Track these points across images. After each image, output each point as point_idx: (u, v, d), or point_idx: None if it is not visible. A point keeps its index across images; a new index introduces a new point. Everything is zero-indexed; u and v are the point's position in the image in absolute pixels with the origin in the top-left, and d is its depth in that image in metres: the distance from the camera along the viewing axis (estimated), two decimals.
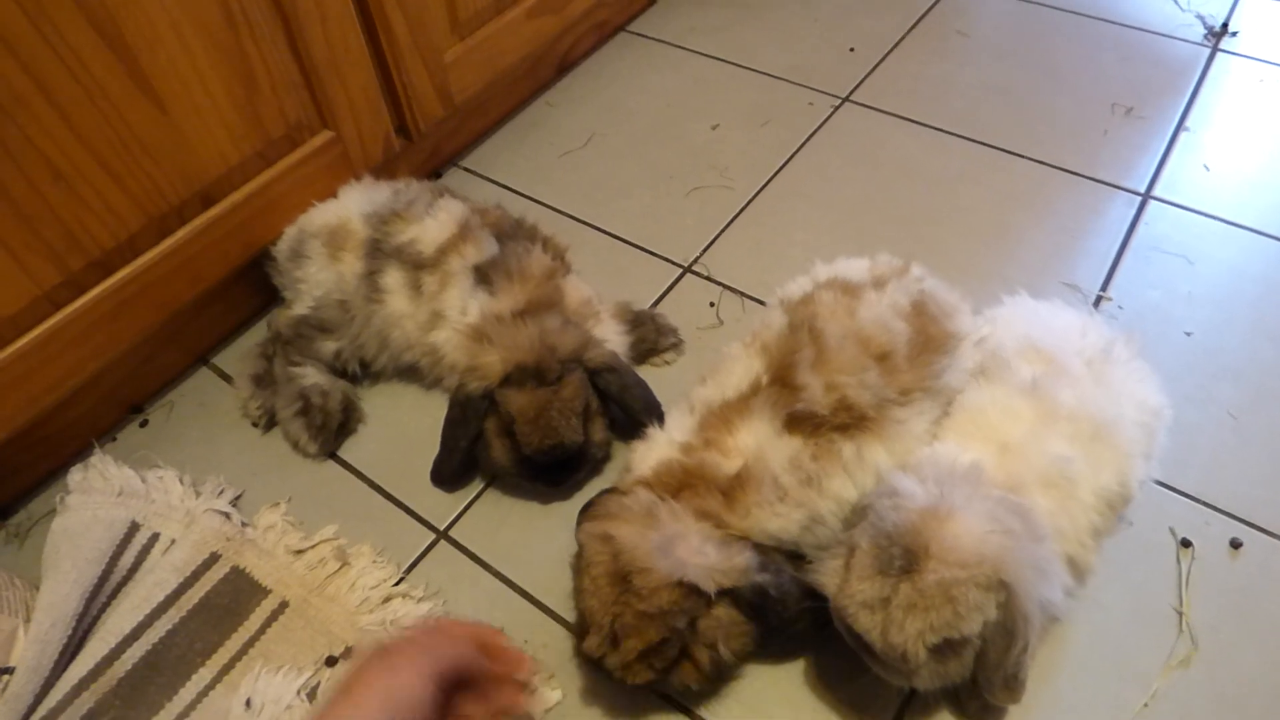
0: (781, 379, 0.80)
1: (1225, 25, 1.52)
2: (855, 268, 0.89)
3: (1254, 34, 1.51)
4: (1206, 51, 1.49)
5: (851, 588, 0.68)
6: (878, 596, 0.67)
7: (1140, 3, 1.59)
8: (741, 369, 0.84)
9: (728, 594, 0.73)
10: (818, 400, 0.77)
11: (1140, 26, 1.54)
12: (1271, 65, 1.45)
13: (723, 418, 0.82)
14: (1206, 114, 1.38)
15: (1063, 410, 0.76)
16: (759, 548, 0.76)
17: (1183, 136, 1.34)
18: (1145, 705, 0.80)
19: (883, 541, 0.68)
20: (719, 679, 0.79)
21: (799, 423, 0.78)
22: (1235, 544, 0.91)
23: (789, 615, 0.75)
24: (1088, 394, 0.77)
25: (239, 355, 1.09)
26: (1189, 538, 0.91)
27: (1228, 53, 1.48)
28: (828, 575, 0.73)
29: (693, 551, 0.71)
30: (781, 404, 0.79)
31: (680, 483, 0.79)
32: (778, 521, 0.77)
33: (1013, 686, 0.73)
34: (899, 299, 0.82)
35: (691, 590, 0.70)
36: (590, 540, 0.75)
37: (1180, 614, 0.86)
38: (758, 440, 0.79)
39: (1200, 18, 1.54)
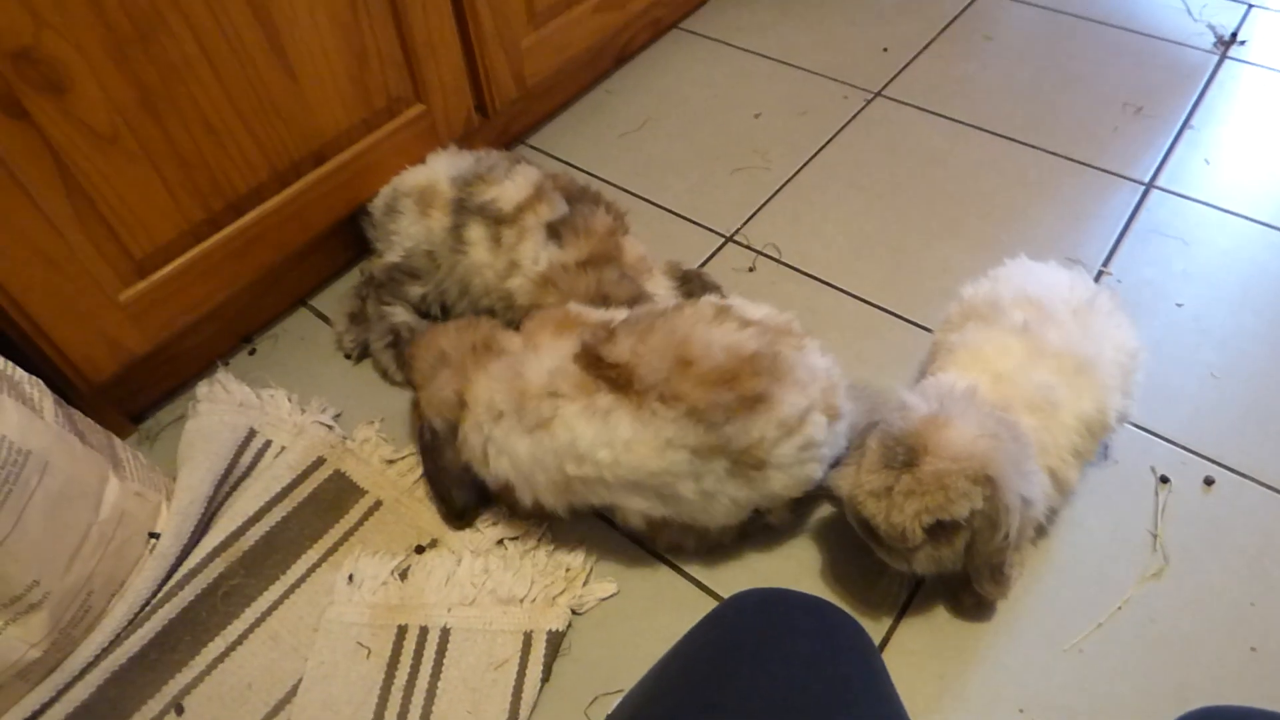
0: (613, 331, 0.89)
1: (1235, 34, 1.64)
2: (760, 310, 0.91)
3: (1262, 43, 1.63)
4: (1215, 58, 1.60)
5: (861, 479, 0.82)
6: (883, 485, 0.80)
7: (1155, 12, 1.71)
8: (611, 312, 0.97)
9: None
10: (615, 353, 0.85)
11: (1154, 34, 1.66)
12: (1275, 72, 1.57)
13: (559, 324, 0.94)
14: (1211, 114, 1.50)
15: (1049, 348, 0.89)
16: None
17: (1187, 134, 1.46)
18: (1119, 608, 0.93)
19: (889, 442, 0.81)
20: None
21: (587, 355, 0.87)
22: (1209, 481, 1.03)
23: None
24: (1072, 335, 0.90)
25: (334, 298, 1.26)
26: (1167, 474, 1.03)
27: (1235, 60, 1.60)
28: (843, 479, 0.87)
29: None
30: (591, 337, 0.89)
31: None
32: (487, 392, 0.91)
33: (998, 579, 0.86)
34: (746, 339, 0.84)
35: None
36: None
37: (1155, 536, 0.98)
38: (554, 345, 0.90)
39: (1211, 27, 1.66)
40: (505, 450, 0.91)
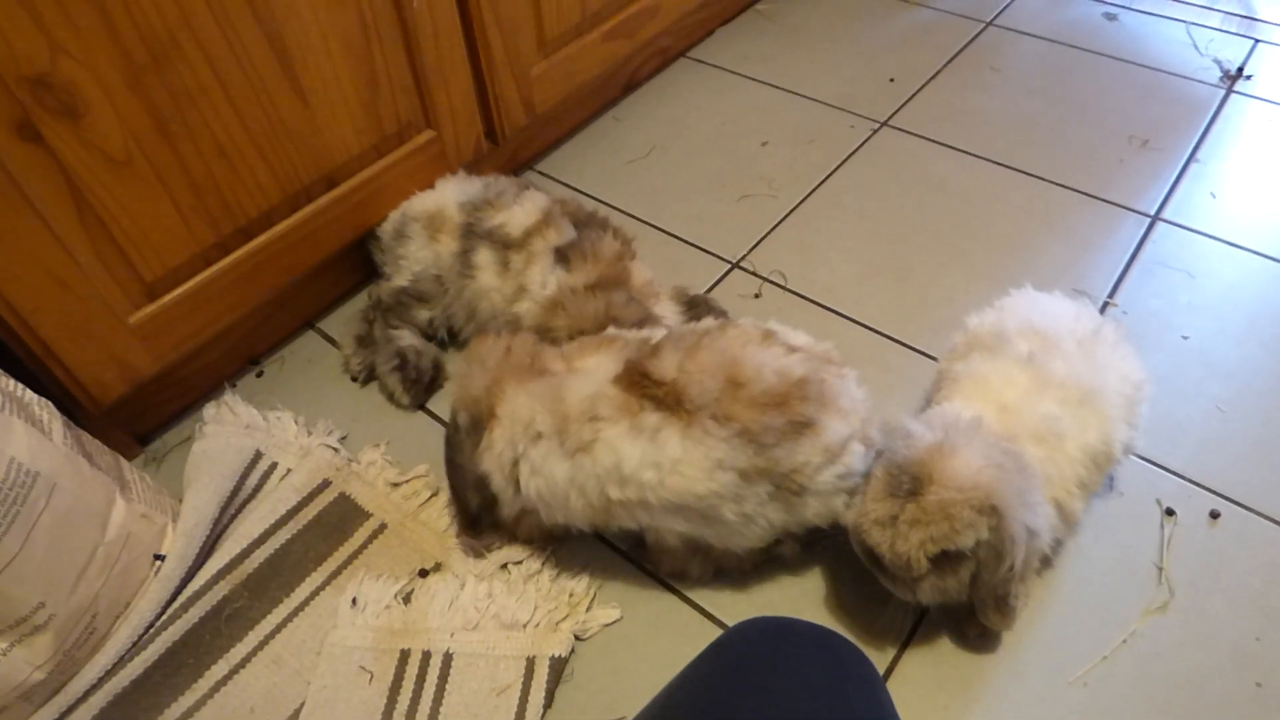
0: (657, 347, 0.87)
1: (1241, 69, 1.65)
2: (801, 337, 0.92)
3: (1268, 78, 1.64)
4: (1221, 93, 1.62)
5: (866, 508, 0.82)
6: (888, 514, 0.80)
7: (1161, 46, 1.73)
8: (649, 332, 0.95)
9: None
10: (661, 369, 0.83)
11: (1161, 68, 1.67)
12: None
13: (600, 343, 0.92)
14: (1217, 148, 1.50)
15: (1054, 379, 0.89)
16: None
17: (1193, 167, 1.47)
18: (1124, 641, 0.92)
19: (894, 470, 0.81)
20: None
21: (632, 371, 0.85)
22: (1214, 514, 1.02)
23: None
24: (1077, 366, 0.90)
25: (341, 321, 1.26)
26: (1173, 507, 1.03)
27: (1241, 94, 1.61)
28: (848, 507, 0.87)
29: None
30: (635, 353, 0.87)
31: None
32: (517, 406, 0.89)
33: (1003, 610, 0.86)
34: (794, 364, 0.84)
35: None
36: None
37: (1160, 569, 0.98)
38: (595, 365, 0.88)
39: (1218, 61, 1.68)
40: (541, 472, 0.88)
